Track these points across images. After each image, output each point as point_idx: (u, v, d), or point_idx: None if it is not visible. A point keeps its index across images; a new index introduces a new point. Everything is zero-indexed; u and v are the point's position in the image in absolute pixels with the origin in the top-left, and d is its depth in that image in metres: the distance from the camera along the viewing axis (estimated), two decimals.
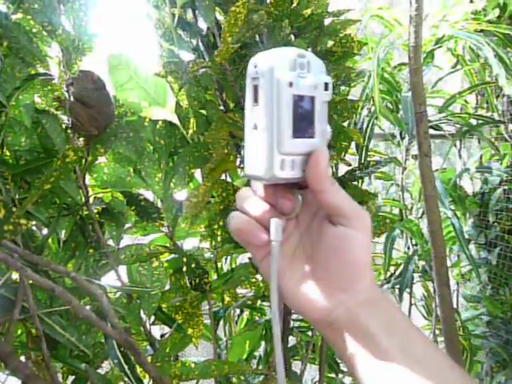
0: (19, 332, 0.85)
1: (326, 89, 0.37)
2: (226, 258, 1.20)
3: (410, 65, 0.92)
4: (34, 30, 0.90)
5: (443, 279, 0.93)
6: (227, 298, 1.07)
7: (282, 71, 0.35)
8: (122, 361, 0.79)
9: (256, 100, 0.36)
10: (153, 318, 0.96)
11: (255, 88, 0.36)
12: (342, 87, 1.06)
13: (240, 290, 1.14)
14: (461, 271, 1.78)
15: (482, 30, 1.45)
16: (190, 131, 1.02)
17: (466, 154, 1.88)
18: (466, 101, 1.66)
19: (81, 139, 0.92)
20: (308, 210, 0.39)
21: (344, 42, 1.08)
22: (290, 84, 0.35)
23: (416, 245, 1.53)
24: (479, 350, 1.66)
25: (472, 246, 1.71)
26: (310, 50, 1.04)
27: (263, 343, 1.20)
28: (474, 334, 1.54)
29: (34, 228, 0.85)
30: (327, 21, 1.08)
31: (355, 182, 0.96)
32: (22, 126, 0.82)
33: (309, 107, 0.36)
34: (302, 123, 0.36)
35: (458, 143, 1.81)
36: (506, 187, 1.57)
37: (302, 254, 0.38)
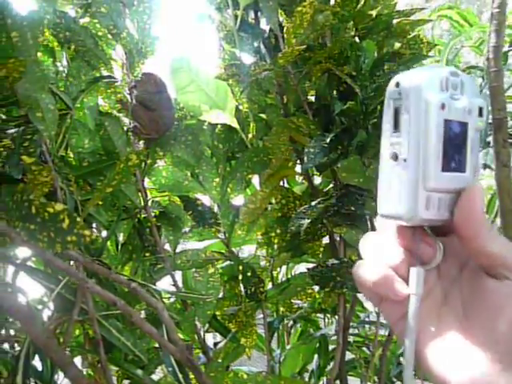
0: (77, 333, 0.85)
1: (481, 114, 0.32)
2: (282, 268, 1.17)
3: (488, 67, 0.85)
4: (100, 34, 0.91)
5: None
6: (282, 309, 1.04)
7: (432, 91, 0.30)
8: (177, 369, 0.78)
9: (397, 125, 0.31)
10: (207, 325, 0.95)
11: (396, 110, 0.31)
12: None
13: (294, 301, 1.10)
14: None
15: None
16: (250, 135, 1.00)
17: None
18: None
19: (141, 142, 0.92)
20: (452, 260, 0.32)
21: (412, 44, 1.02)
22: (443, 106, 0.30)
23: None
24: None
25: None
26: (375, 52, 0.99)
27: (316, 357, 1.15)
28: None
29: (94, 230, 0.86)
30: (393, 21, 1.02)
31: None
32: (85, 128, 0.83)
33: (461, 135, 0.31)
34: (453, 154, 0.30)
35: None
36: None
37: (450, 313, 0.31)
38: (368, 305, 1.23)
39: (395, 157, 0.31)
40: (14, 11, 0.69)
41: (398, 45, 1.05)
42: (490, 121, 0.98)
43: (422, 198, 0.30)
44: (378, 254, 0.32)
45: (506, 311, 0.29)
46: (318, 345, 1.11)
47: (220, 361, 0.88)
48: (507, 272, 0.29)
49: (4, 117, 0.67)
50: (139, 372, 0.80)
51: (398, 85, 0.31)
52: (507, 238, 0.86)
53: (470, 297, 0.31)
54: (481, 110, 0.31)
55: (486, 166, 1.38)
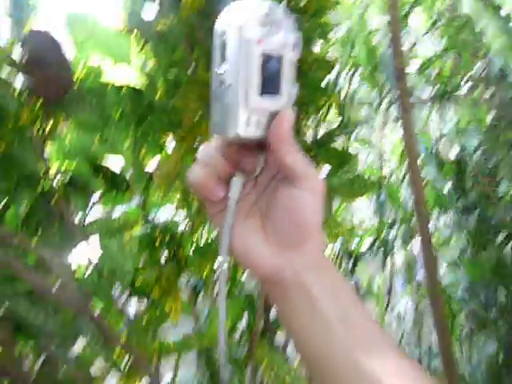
0: None
1: (295, 48, 0.37)
2: (203, 230, 1.15)
3: (389, 21, 0.88)
4: None
5: (426, 240, 0.90)
6: (206, 271, 1.03)
7: (252, 27, 0.34)
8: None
9: (223, 56, 0.35)
10: (128, 295, 0.92)
11: (223, 44, 0.35)
12: (317, 47, 1.01)
13: None
14: (440, 238, 1.78)
15: None
16: (159, 94, 0.95)
17: (440, 120, 1.86)
18: (443, 65, 1.63)
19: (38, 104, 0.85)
20: (268, 172, 0.39)
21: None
22: (259, 41, 0.35)
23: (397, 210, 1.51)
24: (459, 314, 1.67)
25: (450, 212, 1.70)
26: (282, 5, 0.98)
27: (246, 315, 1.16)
28: (455, 298, 1.55)
29: None
30: None
31: (335, 145, 0.92)
32: None
33: (276, 65, 0.36)
34: (270, 81, 0.36)
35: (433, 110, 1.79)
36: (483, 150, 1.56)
37: (257, 212, 0.39)
38: None
39: (222, 83, 0.36)
40: None
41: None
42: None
43: (243, 117, 0.35)
44: (207, 162, 0.37)
45: (288, 211, 0.37)
46: (247, 303, 1.12)
47: (143, 328, 0.86)
48: (294, 180, 0.37)
49: None
50: (53, 347, 0.75)
51: (223, 20, 0.35)
52: (414, 180, 0.91)
53: (271, 200, 0.38)
54: (295, 44, 0.36)
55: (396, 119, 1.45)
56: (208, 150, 0.38)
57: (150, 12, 0.88)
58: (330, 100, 0.88)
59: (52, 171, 0.86)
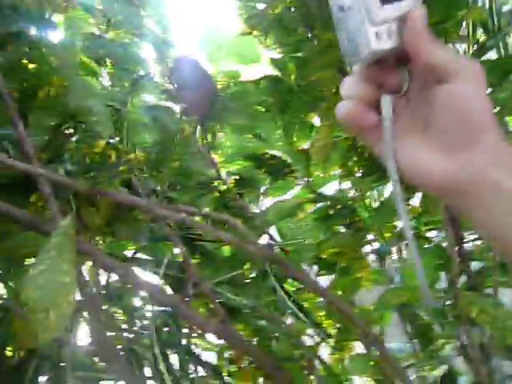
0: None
1: None
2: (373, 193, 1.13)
3: None
4: (127, 41, 0.97)
5: None
6: (387, 234, 1.01)
7: None
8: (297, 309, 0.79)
9: None
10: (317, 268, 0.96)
11: None
12: None
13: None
14: None
15: None
16: (293, 78, 0.98)
17: None
18: None
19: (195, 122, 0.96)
20: (417, 84, 0.37)
21: None
22: None
23: None
24: None
25: None
26: None
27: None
28: None
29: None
30: None
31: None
32: (142, 125, 0.89)
33: None
34: None
35: None
36: None
37: (415, 128, 0.37)
38: None
39: (341, 9, 0.35)
40: (48, 41, 0.77)
41: None
42: None
43: (371, 33, 0.34)
44: (352, 93, 0.36)
45: (449, 111, 0.34)
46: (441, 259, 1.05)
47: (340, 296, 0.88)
48: (447, 76, 0.34)
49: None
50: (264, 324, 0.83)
51: None
52: None
53: (428, 109, 0.36)
54: None
55: None
56: (349, 82, 0.37)
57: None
58: (471, 14, 0.79)
59: (223, 174, 0.96)
